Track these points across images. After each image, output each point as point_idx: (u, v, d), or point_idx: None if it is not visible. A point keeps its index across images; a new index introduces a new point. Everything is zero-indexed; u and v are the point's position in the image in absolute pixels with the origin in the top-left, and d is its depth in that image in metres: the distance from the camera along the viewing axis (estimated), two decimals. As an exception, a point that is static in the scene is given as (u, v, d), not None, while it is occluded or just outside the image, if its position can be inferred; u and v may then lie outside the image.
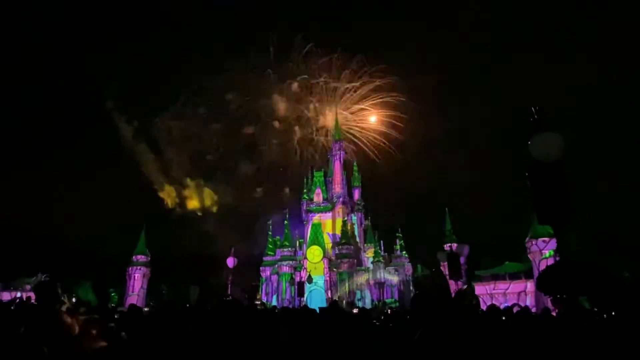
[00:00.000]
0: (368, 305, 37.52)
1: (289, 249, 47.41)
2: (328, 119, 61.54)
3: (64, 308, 3.60)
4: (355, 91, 63.08)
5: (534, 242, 35.51)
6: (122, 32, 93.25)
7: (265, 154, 65.21)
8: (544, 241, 34.41)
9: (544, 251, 34.58)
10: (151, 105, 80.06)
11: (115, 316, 7.74)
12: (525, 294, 36.88)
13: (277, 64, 63.50)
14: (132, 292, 45.34)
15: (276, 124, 64.03)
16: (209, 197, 74.16)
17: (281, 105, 63.31)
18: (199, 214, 74.96)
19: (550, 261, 31.66)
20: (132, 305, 8.74)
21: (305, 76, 62.72)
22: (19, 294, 40.94)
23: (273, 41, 62.86)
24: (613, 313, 10.83)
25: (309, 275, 40.93)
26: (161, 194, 74.78)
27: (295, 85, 63.12)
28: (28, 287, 45.52)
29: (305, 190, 52.40)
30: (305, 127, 63.99)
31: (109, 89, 71.38)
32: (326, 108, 62.50)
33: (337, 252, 45.67)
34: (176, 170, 74.94)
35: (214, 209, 72.81)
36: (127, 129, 71.65)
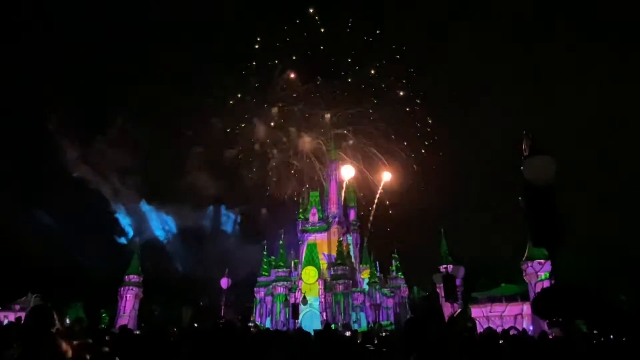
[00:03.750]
0: (364, 327, 36.99)
1: (284, 269, 46.94)
2: (306, 142, 61.21)
3: (54, 330, 3.54)
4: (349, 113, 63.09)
5: (529, 264, 35.38)
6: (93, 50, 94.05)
7: (244, 177, 65.05)
8: (539, 263, 34.29)
9: (539, 273, 34.42)
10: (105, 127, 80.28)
11: (107, 337, 7.60)
12: (522, 317, 36.52)
13: (257, 89, 63.66)
14: (124, 312, 44.43)
15: (256, 147, 63.77)
16: None
17: (260, 129, 63.13)
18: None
19: (546, 283, 31.48)
20: (123, 327, 8.60)
21: (285, 103, 62.81)
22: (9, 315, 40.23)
23: (252, 69, 63.18)
24: (611, 336, 10.75)
25: (304, 297, 40.37)
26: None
27: (274, 110, 63.09)
28: (17, 307, 44.63)
29: (300, 210, 52.28)
30: (284, 150, 63.75)
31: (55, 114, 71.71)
32: (305, 132, 62.20)
33: (332, 272, 45.26)
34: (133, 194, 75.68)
35: None
36: (74, 151, 72.07)
